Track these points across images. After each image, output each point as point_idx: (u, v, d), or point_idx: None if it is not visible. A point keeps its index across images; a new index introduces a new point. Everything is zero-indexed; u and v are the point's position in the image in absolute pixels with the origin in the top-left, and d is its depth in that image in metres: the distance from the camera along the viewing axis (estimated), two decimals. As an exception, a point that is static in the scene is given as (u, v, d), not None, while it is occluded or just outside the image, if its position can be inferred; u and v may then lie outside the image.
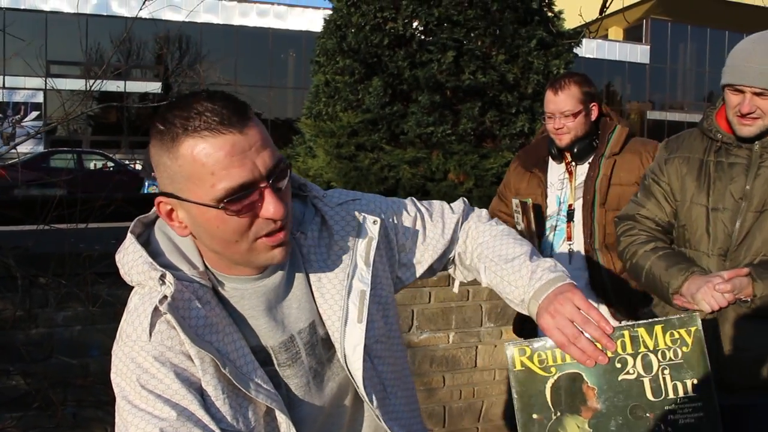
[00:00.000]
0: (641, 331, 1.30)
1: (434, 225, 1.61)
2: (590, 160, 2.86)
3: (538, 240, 2.91)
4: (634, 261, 2.35)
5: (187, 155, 1.17)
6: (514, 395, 1.34)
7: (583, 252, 2.87)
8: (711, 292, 2.01)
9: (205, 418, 1.20)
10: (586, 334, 1.28)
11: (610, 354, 1.28)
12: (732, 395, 2.17)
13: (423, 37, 7.33)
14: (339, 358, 1.41)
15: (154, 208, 1.31)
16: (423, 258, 1.59)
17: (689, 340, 1.28)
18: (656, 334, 1.29)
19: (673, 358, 1.27)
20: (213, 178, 1.16)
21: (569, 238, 2.88)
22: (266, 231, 1.23)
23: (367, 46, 7.16)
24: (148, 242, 1.33)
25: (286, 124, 32.81)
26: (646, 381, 1.27)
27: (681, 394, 1.25)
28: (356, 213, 1.48)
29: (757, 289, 2.04)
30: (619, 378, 1.28)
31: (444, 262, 1.65)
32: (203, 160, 1.16)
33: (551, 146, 2.91)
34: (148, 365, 1.21)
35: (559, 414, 1.30)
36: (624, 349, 1.29)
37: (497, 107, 7.23)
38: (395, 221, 1.56)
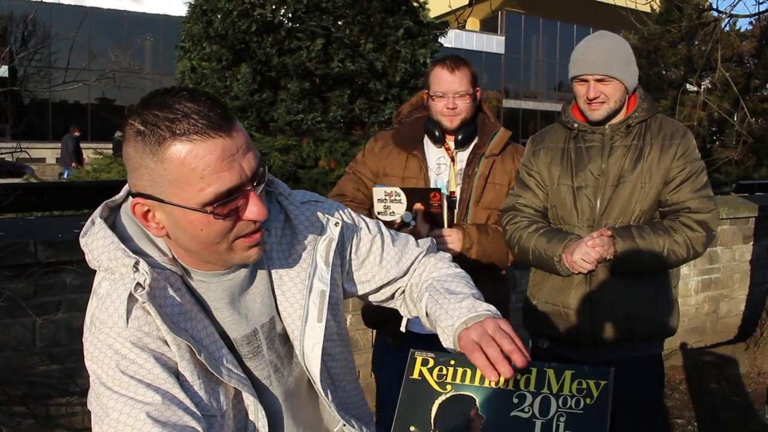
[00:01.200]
0: (550, 372, 1.26)
1: (394, 251, 1.62)
2: (469, 155, 2.75)
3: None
4: (521, 244, 2.59)
5: (176, 159, 1.14)
6: (399, 401, 1.31)
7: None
8: (584, 249, 2.34)
9: (186, 401, 1.20)
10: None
11: (511, 382, 1.25)
12: (604, 350, 2.54)
13: (291, 24, 7.31)
14: (297, 355, 1.43)
15: (120, 193, 1.28)
16: (372, 278, 1.60)
17: (595, 393, 1.23)
18: (564, 379, 1.25)
19: (573, 407, 1.22)
20: (202, 183, 1.15)
21: (450, 226, 2.70)
22: (246, 232, 1.24)
23: (234, 32, 7.06)
24: (113, 226, 1.29)
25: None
26: (538, 423, 1.21)
27: None
28: (319, 213, 1.49)
29: (618, 246, 2.38)
30: (512, 413, 1.23)
31: (393, 290, 1.65)
32: (193, 165, 1.14)
33: (434, 128, 2.72)
34: (126, 351, 1.19)
35: None
36: (527, 385, 1.25)
37: (366, 95, 7.33)
38: (354, 233, 1.57)
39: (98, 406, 1.21)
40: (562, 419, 1.21)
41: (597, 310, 2.52)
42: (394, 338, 2.73)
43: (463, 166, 2.75)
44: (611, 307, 2.50)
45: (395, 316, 2.45)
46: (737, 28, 20.59)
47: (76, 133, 19.50)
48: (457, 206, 2.73)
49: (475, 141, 2.77)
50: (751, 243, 5.76)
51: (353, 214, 1.61)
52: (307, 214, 1.48)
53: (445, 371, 1.31)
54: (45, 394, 2.92)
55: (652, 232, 2.43)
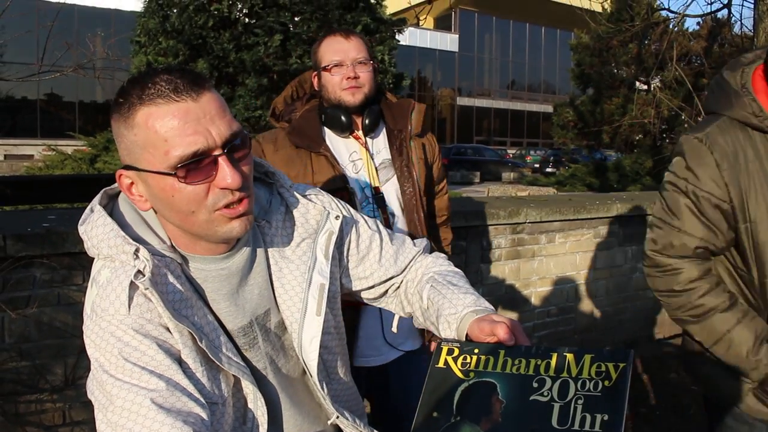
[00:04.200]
0: (569, 357, 1.28)
1: (392, 249, 1.63)
2: (392, 141, 2.37)
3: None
4: (708, 325, 1.89)
5: (142, 123, 1.16)
6: (424, 390, 1.33)
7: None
8: None
9: (191, 388, 1.20)
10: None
11: (531, 368, 1.28)
12: None
13: (249, 19, 7.24)
14: (294, 348, 1.43)
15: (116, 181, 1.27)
16: (370, 276, 1.62)
17: (614, 375, 1.23)
18: (584, 363, 1.26)
19: (592, 389, 1.22)
20: (166, 145, 1.15)
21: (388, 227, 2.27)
22: (224, 202, 1.21)
23: (191, 27, 6.95)
24: (112, 214, 1.28)
25: (94, 106, 31.01)
26: (557, 407, 1.22)
27: (587, 427, 1.18)
28: (320, 206, 1.49)
29: None
30: (531, 398, 1.24)
31: (386, 288, 1.66)
32: (156, 127, 1.16)
33: (336, 113, 2.26)
34: (129, 338, 1.18)
35: (459, 419, 1.27)
36: (547, 370, 1.27)
37: (325, 91, 7.30)
38: (353, 228, 1.59)
39: (102, 394, 1.19)
40: (580, 402, 1.21)
41: None
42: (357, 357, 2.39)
43: (386, 156, 2.35)
44: None
45: (357, 334, 2.31)
46: (685, 28, 21.09)
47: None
48: (398, 203, 2.34)
49: (385, 127, 2.38)
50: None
51: (352, 210, 1.61)
52: (308, 207, 1.48)
53: (468, 359, 1.34)
54: (14, 391, 2.83)
55: None
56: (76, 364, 2.93)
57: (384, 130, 2.37)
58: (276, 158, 2.26)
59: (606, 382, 1.22)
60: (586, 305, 5.10)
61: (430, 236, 2.45)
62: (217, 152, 1.18)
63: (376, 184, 2.30)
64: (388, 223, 2.28)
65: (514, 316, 4.52)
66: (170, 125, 1.15)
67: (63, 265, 2.84)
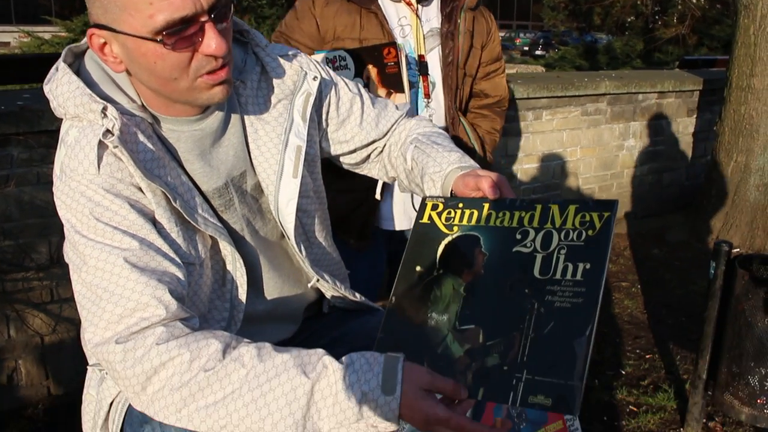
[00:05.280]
0: (554, 208, 1.27)
1: (374, 113, 1.60)
2: (441, 9, 2.35)
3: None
4: None
5: None
6: (408, 245, 1.35)
7: (443, 116, 2.42)
8: None
9: (165, 247, 1.19)
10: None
11: (516, 219, 1.29)
12: None
13: None
14: (271, 210, 1.42)
15: (86, 39, 1.20)
16: (351, 139, 1.59)
17: (598, 225, 1.22)
18: (568, 213, 1.26)
19: (575, 239, 1.22)
20: (151, 8, 1.08)
21: (427, 96, 2.35)
22: (207, 69, 1.17)
23: None
24: (78, 73, 1.23)
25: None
26: (539, 257, 1.23)
27: (569, 276, 1.18)
28: (297, 67, 1.45)
29: None
30: (514, 249, 1.25)
31: (369, 152, 1.64)
32: None
33: None
34: (99, 198, 1.17)
35: (441, 272, 1.29)
36: (531, 222, 1.27)
37: None
38: (333, 90, 1.54)
39: (75, 255, 1.19)
40: (563, 252, 1.22)
41: None
42: (360, 238, 2.43)
43: (435, 25, 2.34)
44: None
45: (359, 212, 2.39)
46: None
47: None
48: (439, 71, 2.34)
49: None
50: (695, 116, 5.84)
51: (332, 72, 1.57)
52: (284, 68, 1.43)
53: (453, 214, 1.34)
54: (0, 270, 2.85)
55: None
56: (61, 243, 2.90)
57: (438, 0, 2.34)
58: (325, 13, 2.25)
59: (590, 232, 1.22)
60: (572, 182, 5.11)
61: (468, 115, 2.46)
62: (203, 18, 1.13)
63: (422, 52, 2.29)
64: (428, 92, 2.30)
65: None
66: None
67: (41, 144, 2.79)
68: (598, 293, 1.15)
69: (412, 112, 1.70)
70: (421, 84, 2.30)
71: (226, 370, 1.10)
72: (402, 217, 2.42)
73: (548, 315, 1.16)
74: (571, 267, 1.19)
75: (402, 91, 2.21)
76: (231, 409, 1.09)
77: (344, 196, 2.29)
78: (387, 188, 2.36)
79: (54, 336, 2.98)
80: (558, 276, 1.19)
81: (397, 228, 2.43)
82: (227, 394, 1.09)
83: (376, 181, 2.31)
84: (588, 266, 1.18)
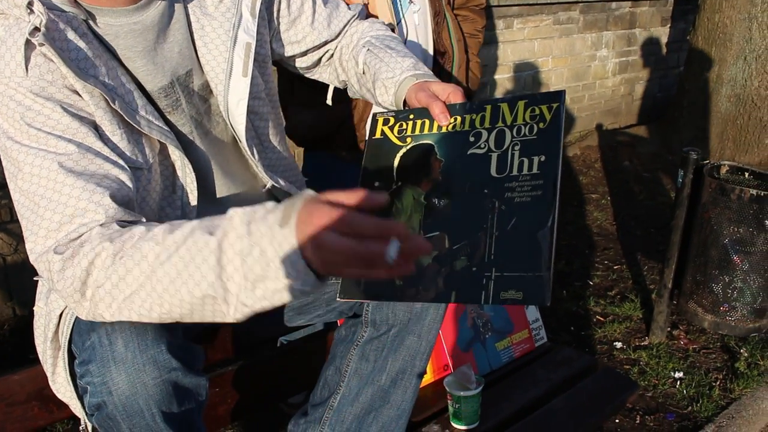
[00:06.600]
0: (504, 107, 1.28)
1: (326, 12, 1.53)
2: None
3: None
4: None
5: None
6: (363, 164, 1.34)
7: (428, 16, 2.28)
8: None
9: (106, 150, 1.13)
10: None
11: (467, 123, 1.29)
12: None
13: None
14: (221, 112, 1.36)
15: None
16: (302, 39, 1.53)
17: (548, 117, 1.24)
18: (518, 109, 1.27)
19: (527, 134, 1.24)
20: None
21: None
22: None
23: None
24: None
25: None
26: (494, 156, 1.24)
27: (525, 171, 1.20)
28: None
29: None
30: (469, 152, 1.26)
31: (320, 54, 1.59)
32: None
33: None
34: (30, 102, 1.10)
35: (400, 184, 1.30)
36: (482, 123, 1.28)
37: None
38: None
39: (9, 163, 1.13)
40: (517, 148, 1.24)
41: None
42: (351, 149, 2.28)
43: None
44: None
45: (348, 124, 2.31)
46: None
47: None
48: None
49: None
50: (668, 26, 5.74)
51: None
52: None
53: (405, 126, 1.35)
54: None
55: None
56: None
57: None
58: None
59: (541, 125, 1.24)
60: (544, 95, 5.05)
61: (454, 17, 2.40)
62: None
63: None
64: None
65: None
66: None
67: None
68: (556, 183, 1.17)
69: (365, 13, 1.64)
70: None
71: (141, 252, 1.01)
72: None
73: (509, 211, 1.17)
74: (526, 161, 1.22)
75: None
76: (149, 289, 1.01)
77: (333, 109, 2.20)
78: None
79: (16, 256, 2.93)
80: (515, 172, 1.21)
81: None
82: (145, 273, 1.00)
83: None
84: (543, 158, 1.21)
